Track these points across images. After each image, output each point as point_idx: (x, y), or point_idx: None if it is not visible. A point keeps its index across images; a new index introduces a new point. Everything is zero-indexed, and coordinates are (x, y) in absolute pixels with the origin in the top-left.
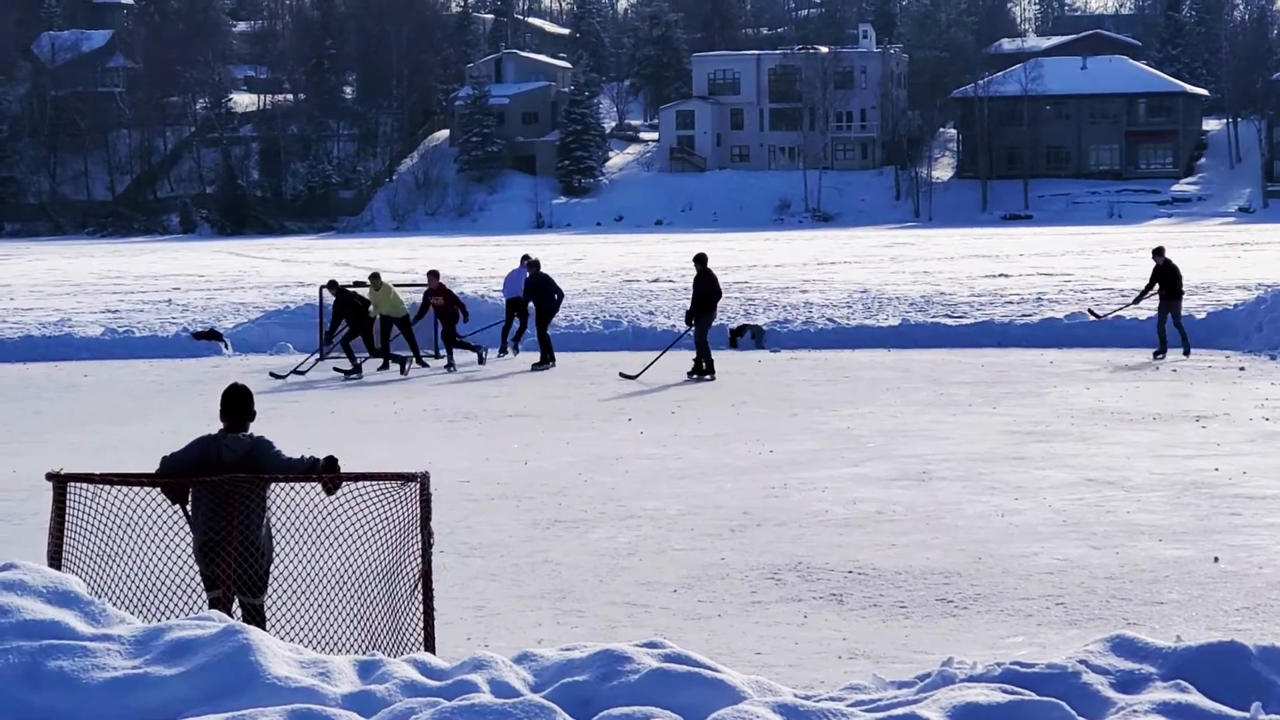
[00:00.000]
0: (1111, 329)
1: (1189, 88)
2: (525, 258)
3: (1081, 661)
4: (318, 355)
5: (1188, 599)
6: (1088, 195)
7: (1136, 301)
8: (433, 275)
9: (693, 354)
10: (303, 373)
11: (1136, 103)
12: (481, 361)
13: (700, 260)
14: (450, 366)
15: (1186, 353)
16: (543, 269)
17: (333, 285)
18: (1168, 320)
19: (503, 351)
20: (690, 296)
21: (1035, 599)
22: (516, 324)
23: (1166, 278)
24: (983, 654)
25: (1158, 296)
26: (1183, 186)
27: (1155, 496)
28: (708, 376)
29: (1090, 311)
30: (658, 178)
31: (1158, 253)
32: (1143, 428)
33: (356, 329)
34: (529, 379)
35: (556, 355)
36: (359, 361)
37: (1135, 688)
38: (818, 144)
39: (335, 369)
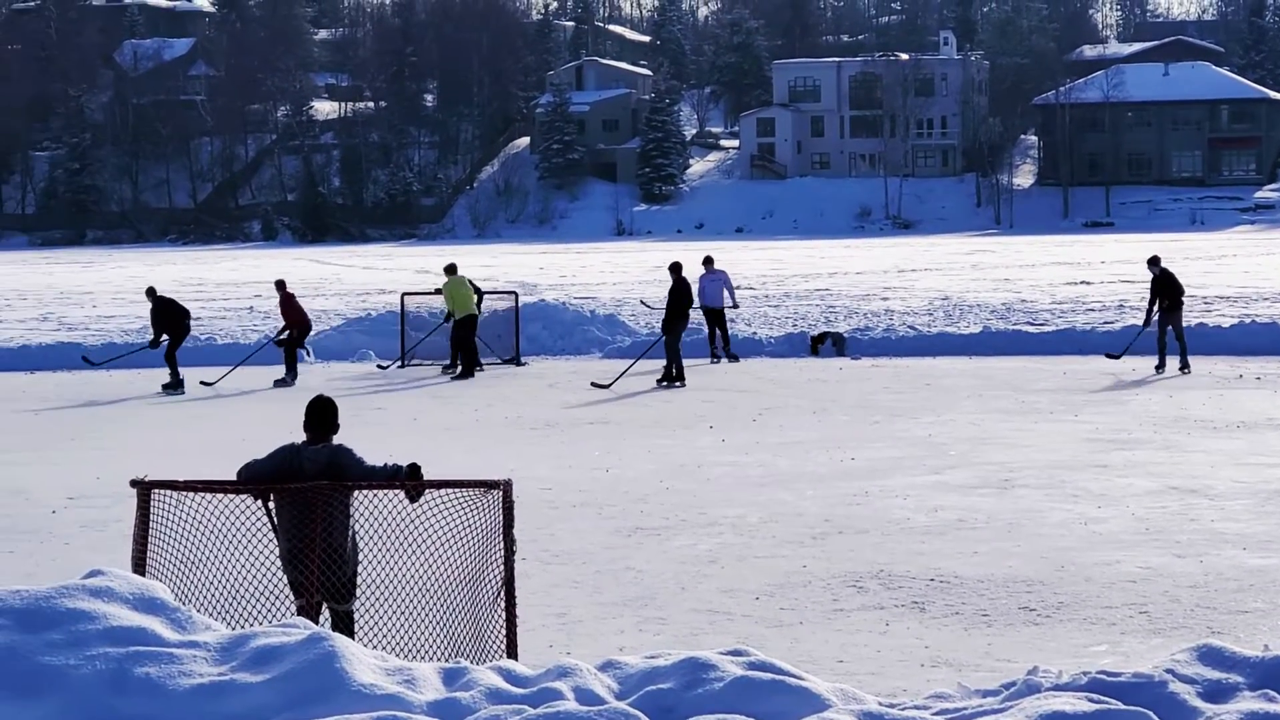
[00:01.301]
0: (1194, 337)
1: (1272, 94)
2: (709, 260)
3: (1168, 671)
4: (399, 362)
5: (1273, 607)
6: (1169, 202)
7: (1146, 324)
8: (280, 285)
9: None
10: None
11: (1219, 109)
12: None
13: (675, 269)
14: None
15: (1184, 367)
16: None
17: (150, 292)
18: (1168, 332)
19: (715, 359)
20: (665, 305)
21: (1118, 607)
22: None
23: (1165, 288)
24: (1066, 663)
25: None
26: (1266, 193)
27: (1239, 505)
28: (678, 383)
29: (1108, 355)
30: (738, 185)
31: (1153, 262)
32: (1226, 436)
33: (177, 339)
34: (612, 388)
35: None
36: (180, 378)
37: (1222, 697)
38: (898, 151)
39: (164, 385)
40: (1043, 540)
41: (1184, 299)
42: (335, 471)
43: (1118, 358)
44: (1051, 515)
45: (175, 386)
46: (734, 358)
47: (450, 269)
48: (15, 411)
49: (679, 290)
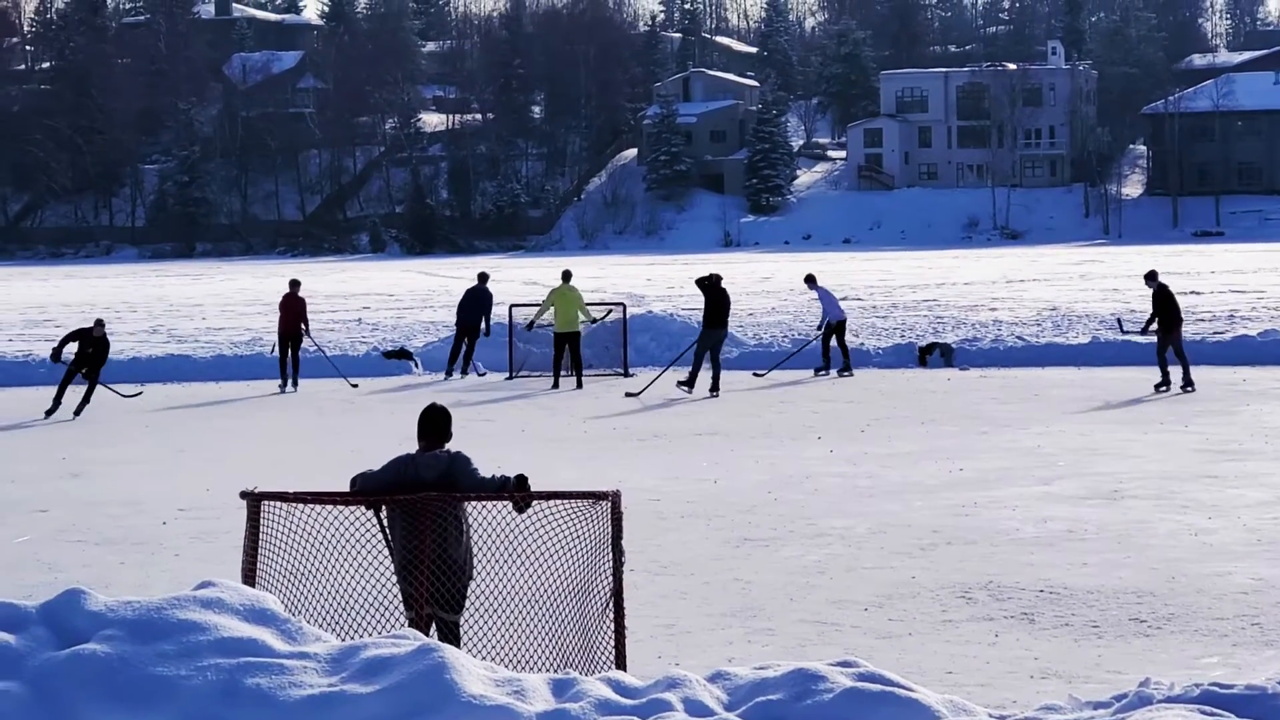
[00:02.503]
0: None
1: None
2: (812, 278)
3: None
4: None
5: None
6: None
7: (1143, 331)
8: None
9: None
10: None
11: None
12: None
13: (713, 281)
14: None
15: (1186, 385)
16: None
17: (99, 324)
18: (1168, 349)
19: (843, 371)
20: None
21: (1230, 619)
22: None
23: (1161, 305)
24: (1178, 674)
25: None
26: None
27: None
28: (686, 388)
29: (1119, 323)
30: (845, 196)
31: (1150, 277)
32: None
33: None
34: (719, 398)
35: (741, 373)
36: (59, 403)
37: None
38: (1006, 161)
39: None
40: (1153, 551)
41: (1181, 317)
42: (452, 479)
43: (1127, 334)
44: (1161, 526)
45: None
46: (849, 372)
47: (563, 276)
48: (126, 423)
49: (719, 299)
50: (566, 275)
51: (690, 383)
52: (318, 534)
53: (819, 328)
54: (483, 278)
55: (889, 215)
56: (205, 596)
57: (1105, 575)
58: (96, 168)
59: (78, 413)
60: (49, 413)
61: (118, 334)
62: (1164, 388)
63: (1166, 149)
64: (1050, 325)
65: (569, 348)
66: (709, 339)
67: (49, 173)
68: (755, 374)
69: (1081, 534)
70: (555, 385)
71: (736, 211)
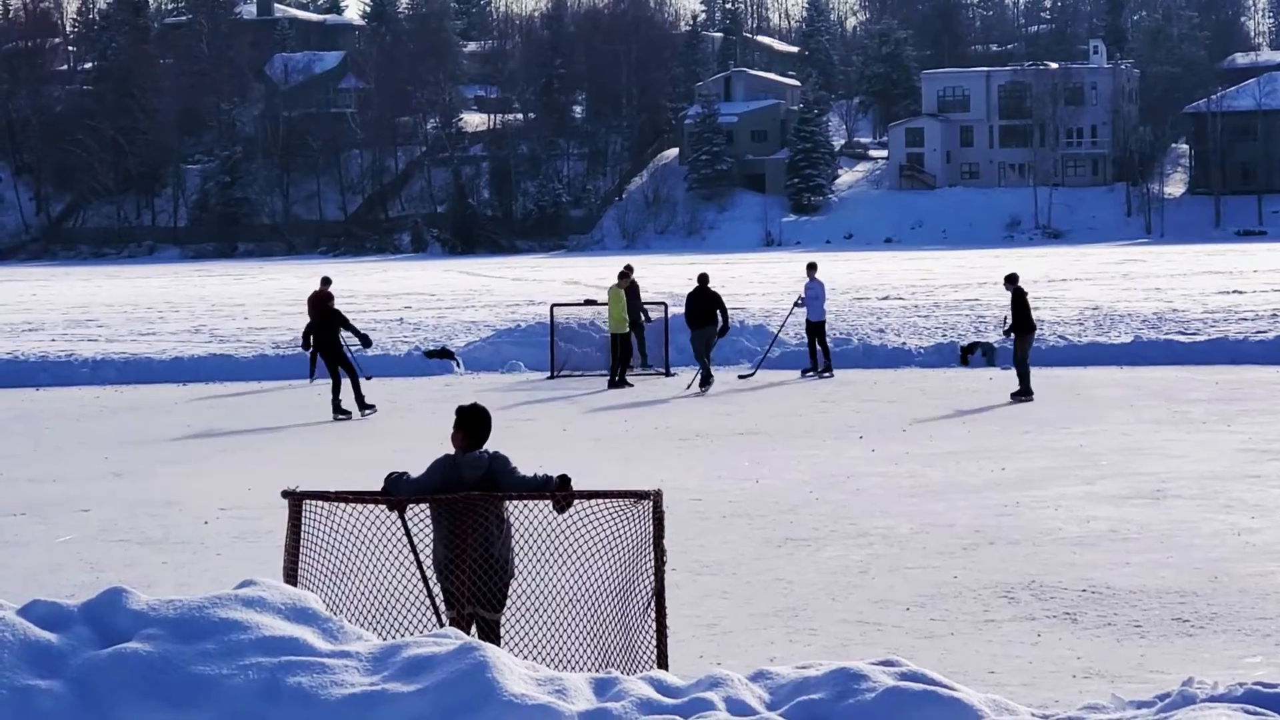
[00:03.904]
0: None
1: None
2: (813, 266)
3: None
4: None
5: None
6: None
7: (1006, 335)
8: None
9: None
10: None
11: None
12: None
13: (702, 279)
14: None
15: (1023, 394)
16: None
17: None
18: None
19: (810, 374)
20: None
21: (1273, 619)
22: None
23: (1016, 309)
24: (1221, 674)
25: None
26: None
27: None
28: (705, 387)
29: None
30: (887, 195)
31: (1009, 280)
32: None
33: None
34: (759, 397)
35: (784, 372)
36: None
37: None
38: (1048, 161)
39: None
40: (1196, 551)
41: (1034, 328)
42: (493, 478)
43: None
44: (1205, 526)
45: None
46: (828, 372)
47: (620, 274)
48: (168, 423)
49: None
50: (621, 273)
51: (708, 379)
52: (359, 533)
53: (796, 304)
54: (703, 278)
55: (930, 215)
56: (247, 595)
57: (1148, 575)
58: (139, 168)
59: (361, 405)
60: (361, 409)
61: (160, 334)
62: (1024, 397)
63: (1209, 148)
64: (1093, 325)
65: (621, 346)
66: (700, 335)
67: (91, 173)
68: (740, 375)
69: (1124, 534)
70: (613, 384)
71: (778, 211)
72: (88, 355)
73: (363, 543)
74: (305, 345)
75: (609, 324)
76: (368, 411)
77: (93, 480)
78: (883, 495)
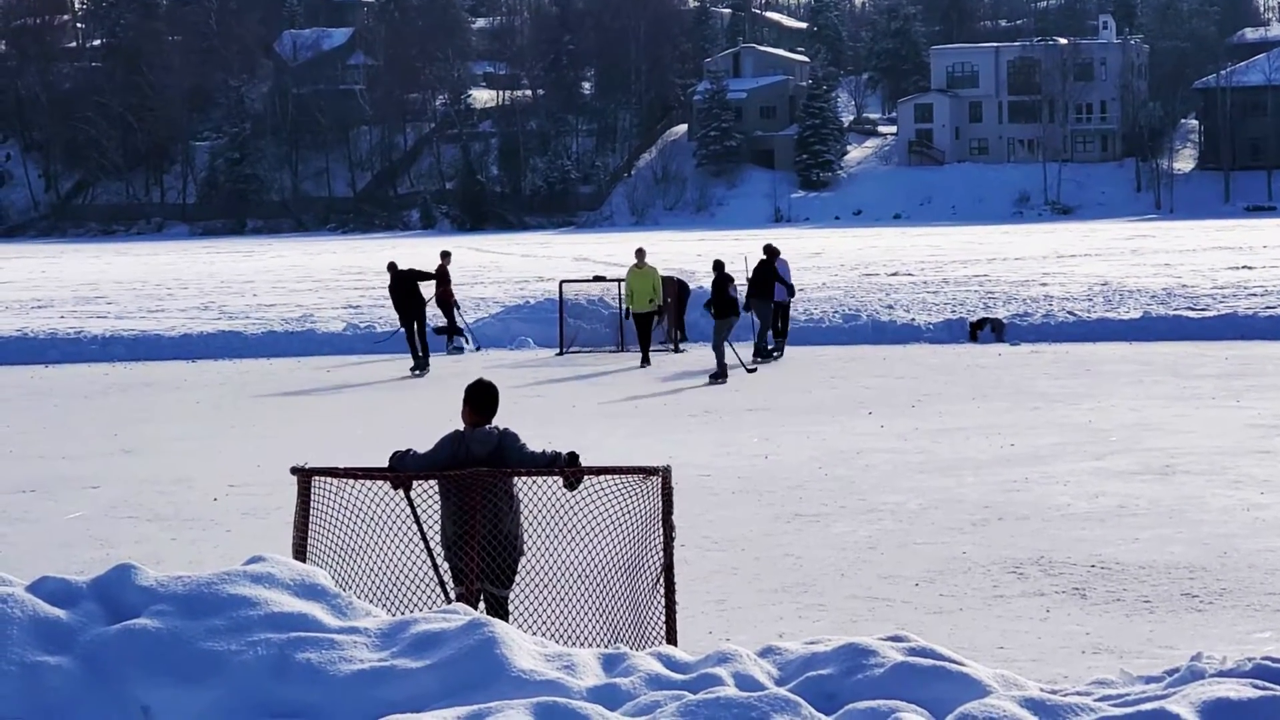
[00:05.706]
0: None
1: None
2: (770, 247)
3: None
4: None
5: None
6: None
7: (745, 309)
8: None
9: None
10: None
11: None
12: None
13: (717, 266)
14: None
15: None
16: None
17: (391, 267)
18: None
19: (772, 352)
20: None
21: None
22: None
23: (760, 279)
24: (1230, 649)
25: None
26: None
27: None
28: (720, 380)
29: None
30: (896, 171)
31: (767, 251)
32: None
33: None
34: (768, 374)
35: (794, 349)
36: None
37: None
38: (1057, 136)
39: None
40: (1205, 526)
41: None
42: (502, 454)
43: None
44: (1214, 501)
45: (421, 366)
46: (774, 355)
47: (636, 254)
48: (178, 400)
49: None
50: (637, 254)
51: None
52: (368, 509)
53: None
54: (770, 250)
55: (939, 191)
56: (256, 571)
57: (1157, 550)
58: (147, 145)
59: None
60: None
61: (169, 311)
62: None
63: (1218, 123)
64: (1102, 300)
65: (646, 324)
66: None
67: (100, 150)
68: (748, 369)
69: (1133, 509)
70: (645, 361)
71: (787, 187)
72: (97, 332)
73: (372, 519)
74: (447, 316)
75: (633, 303)
76: (418, 373)
77: (102, 457)
78: (892, 471)
